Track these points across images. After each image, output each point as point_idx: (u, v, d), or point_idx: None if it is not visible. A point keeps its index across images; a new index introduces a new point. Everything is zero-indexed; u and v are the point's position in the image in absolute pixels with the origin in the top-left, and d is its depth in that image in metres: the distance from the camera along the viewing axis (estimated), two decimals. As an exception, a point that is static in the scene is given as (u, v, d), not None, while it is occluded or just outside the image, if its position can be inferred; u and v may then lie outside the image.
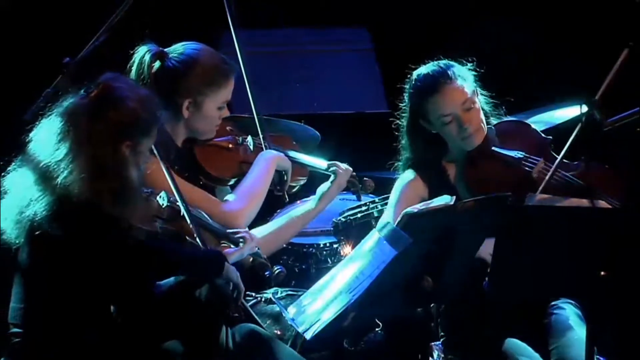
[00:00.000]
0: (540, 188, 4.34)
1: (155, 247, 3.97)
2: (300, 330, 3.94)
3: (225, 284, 4.08)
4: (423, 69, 4.66)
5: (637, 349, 4.68)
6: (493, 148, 4.63)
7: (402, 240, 3.82)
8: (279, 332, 4.78)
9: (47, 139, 3.90)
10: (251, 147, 4.69)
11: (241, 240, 4.28)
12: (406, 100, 4.70)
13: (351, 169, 4.81)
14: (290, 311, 4.01)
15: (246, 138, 4.70)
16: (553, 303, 4.53)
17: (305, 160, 4.78)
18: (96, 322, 3.88)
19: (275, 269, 4.61)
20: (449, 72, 4.61)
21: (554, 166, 4.41)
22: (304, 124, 5.47)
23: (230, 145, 4.66)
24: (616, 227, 3.87)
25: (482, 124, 4.63)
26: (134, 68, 4.45)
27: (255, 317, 4.45)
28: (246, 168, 4.63)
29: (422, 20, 6.69)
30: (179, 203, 4.12)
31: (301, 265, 5.51)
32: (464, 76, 4.63)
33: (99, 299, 3.88)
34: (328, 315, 3.88)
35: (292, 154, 4.75)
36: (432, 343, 4.76)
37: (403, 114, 4.73)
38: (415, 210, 3.94)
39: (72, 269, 3.85)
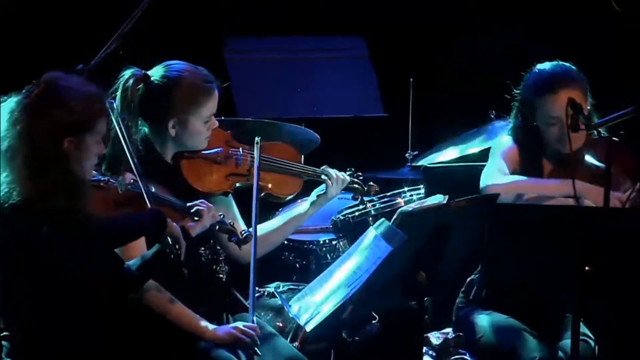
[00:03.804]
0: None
1: (100, 225, 3.88)
2: (301, 322, 4.03)
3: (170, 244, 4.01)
4: (546, 65, 4.57)
5: (624, 340, 4.80)
6: (586, 157, 4.56)
7: (397, 237, 3.90)
8: (280, 325, 4.84)
9: None
10: (241, 160, 4.60)
11: (199, 212, 4.22)
12: (522, 88, 4.61)
13: (348, 179, 4.74)
14: (292, 305, 4.09)
15: (237, 150, 4.62)
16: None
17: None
18: (79, 318, 3.86)
19: (243, 232, 4.57)
20: (570, 74, 4.53)
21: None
22: (305, 127, 5.52)
23: (219, 158, 4.58)
24: (601, 225, 3.96)
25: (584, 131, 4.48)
26: (118, 92, 4.39)
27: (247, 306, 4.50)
28: (235, 181, 4.59)
29: (416, 28, 6.81)
30: (138, 184, 4.06)
31: (302, 261, 5.56)
32: (582, 82, 4.54)
33: (70, 296, 3.83)
34: (328, 308, 3.97)
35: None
36: (429, 334, 4.86)
37: (517, 98, 4.64)
38: (410, 209, 4.04)
39: (29, 273, 3.81)
